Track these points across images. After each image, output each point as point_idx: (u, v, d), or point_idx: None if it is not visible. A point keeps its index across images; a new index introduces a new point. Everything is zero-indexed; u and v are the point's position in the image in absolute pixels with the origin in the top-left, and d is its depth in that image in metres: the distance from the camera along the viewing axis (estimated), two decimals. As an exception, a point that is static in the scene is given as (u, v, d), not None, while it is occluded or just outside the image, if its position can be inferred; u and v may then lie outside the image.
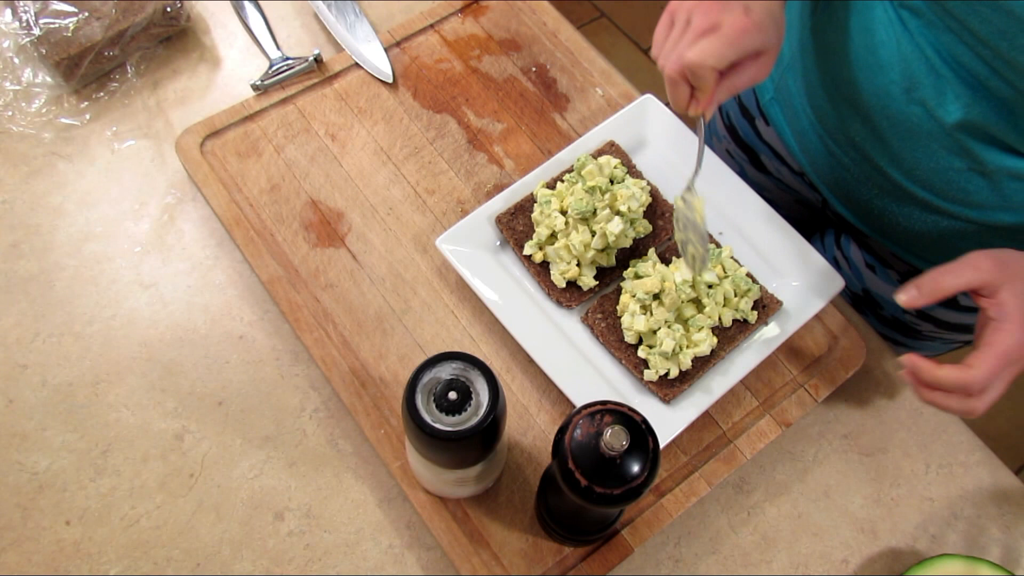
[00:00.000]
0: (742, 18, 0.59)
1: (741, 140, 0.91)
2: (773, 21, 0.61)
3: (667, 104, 0.80)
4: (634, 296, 0.69)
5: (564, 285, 0.72)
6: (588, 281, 0.71)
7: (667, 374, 0.67)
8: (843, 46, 0.70)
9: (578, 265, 0.71)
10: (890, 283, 0.84)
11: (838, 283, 0.72)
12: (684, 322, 0.69)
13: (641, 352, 0.68)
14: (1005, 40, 0.57)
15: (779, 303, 0.72)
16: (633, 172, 0.77)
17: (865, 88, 0.69)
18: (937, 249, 0.76)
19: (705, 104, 0.61)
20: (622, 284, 0.71)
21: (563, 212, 0.72)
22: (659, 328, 0.67)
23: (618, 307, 0.70)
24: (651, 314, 0.68)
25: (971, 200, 0.69)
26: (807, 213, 0.89)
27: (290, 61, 0.83)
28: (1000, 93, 0.60)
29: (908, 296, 0.61)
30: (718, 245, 0.74)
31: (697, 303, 0.70)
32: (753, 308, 0.71)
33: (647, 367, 0.68)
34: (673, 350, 0.67)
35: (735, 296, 0.71)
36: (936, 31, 0.61)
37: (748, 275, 0.72)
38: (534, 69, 0.86)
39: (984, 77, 0.60)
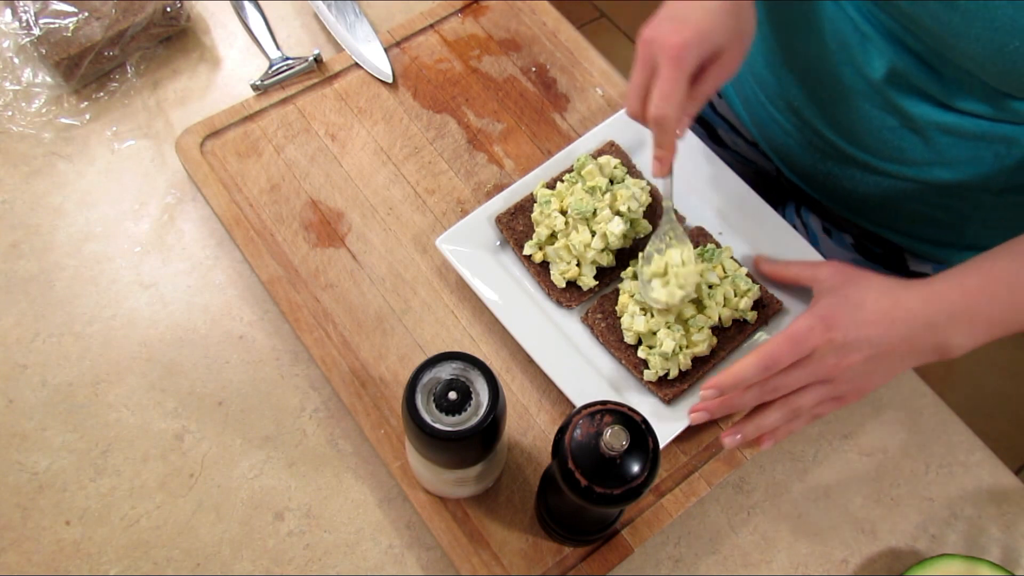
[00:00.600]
0: (673, 38, 0.58)
1: (701, 117, 0.93)
2: (722, 17, 0.59)
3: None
4: (633, 297, 0.69)
5: (564, 285, 0.72)
6: (588, 281, 0.71)
7: (667, 374, 0.67)
8: (782, 12, 0.71)
9: (578, 265, 0.71)
10: (844, 247, 0.86)
11: (838, 283, 0.72)
12: (684, 322, 0.69)
13: (641, 352, 0.68)
14: None
15: (779, 303, 0.72)
16: (633, 172, 0.77)
17: (800, 52, 0.70)
18: (883, 210, 0.78)
19: (669, 153, 0.62)
20: (620, 285, 0.71)
21: (563, 212, 0.72)
22: (659, 329, 0.67)
23: (617, 307, 0.70)
24: (651, 315, 0.68)
25: (906, 158, 0.70)
26: (765, 184, 0.89)
27: (290, 61, 0.83)
28: (915, 48, 0.61)
29: (760, 261, 0.72)
30: (718, 245, 0.74)
31: (697, 303, 0.70)
32: (753, 308, 0.71)
33: (647, 367, 0.68)
34: (673, 351, 0.67)
35: (735, 296, 0.71)
36: None
37: (748, 275, 0.72)
38: (534, 69, 0.86)
39: (900, 33, 0.62)
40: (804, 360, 0.59)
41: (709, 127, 0.92)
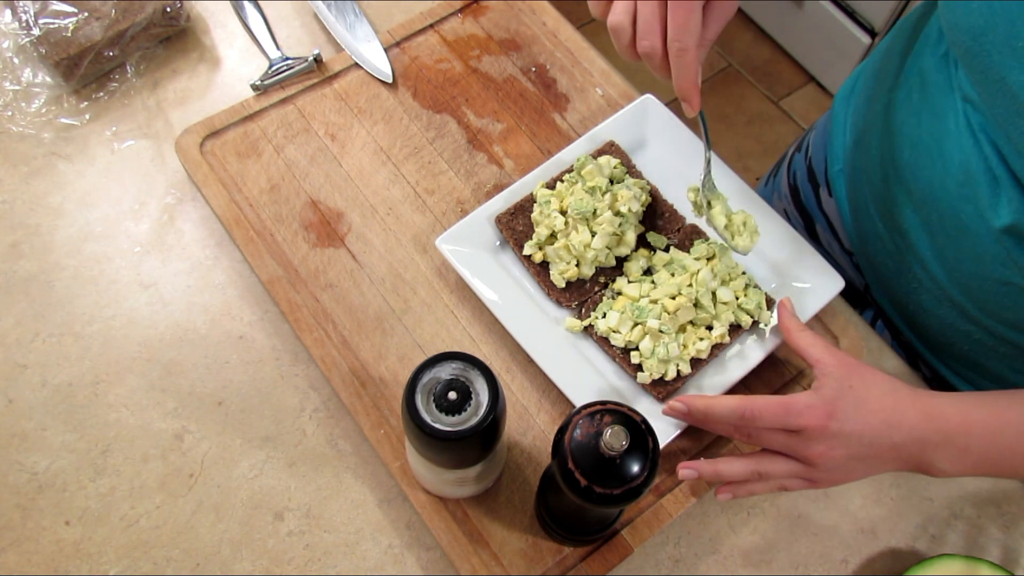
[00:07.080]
0: None
1: (801, 204, 0.89)
2: None
3: (667, 104, 0.81)
4: (623, 314, 0.68)
5: (564, 285, 0.72)
6: (588, 281, 0.71)
7: (662, 376, 0.67)
8: (911, 129, 0.67)
9: (578, 265, 0.71)
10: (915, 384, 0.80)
11: (838, 283, 0.72)
12: (683, 328, 0.68)
13: (634, 357, 0.68)
14: None
15: (774, 301, 0.71)
16: (633, 172, 0.77)
17: (922, 175, 0.66)
18: (966, 360, 0.73)
19: (695, 87, 0.58)
20: (604, 310, 0.70)
21: (563, 212, 0.72)
22: (645, 337, 0.67)
23: (603, 321, 0.70)
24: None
25: (1007, 317, 0.66)
26: (849, 294, 0.81)
27: (290, 61, 0.83)
28: None
29: (783, 309, 0.67)
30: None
31: (697, 305, 0.70)
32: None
33: (640, 370, 0.68)
34: (671, 356, 0.66)
35: (735, 297, 0.71)
36: (994, 131, 0.58)
37: (744, 273, 0.72)
38: (534, 69, 0.86)
39: None
40: (792, 433, 0.58)
41: (809, 219, 0.88)
